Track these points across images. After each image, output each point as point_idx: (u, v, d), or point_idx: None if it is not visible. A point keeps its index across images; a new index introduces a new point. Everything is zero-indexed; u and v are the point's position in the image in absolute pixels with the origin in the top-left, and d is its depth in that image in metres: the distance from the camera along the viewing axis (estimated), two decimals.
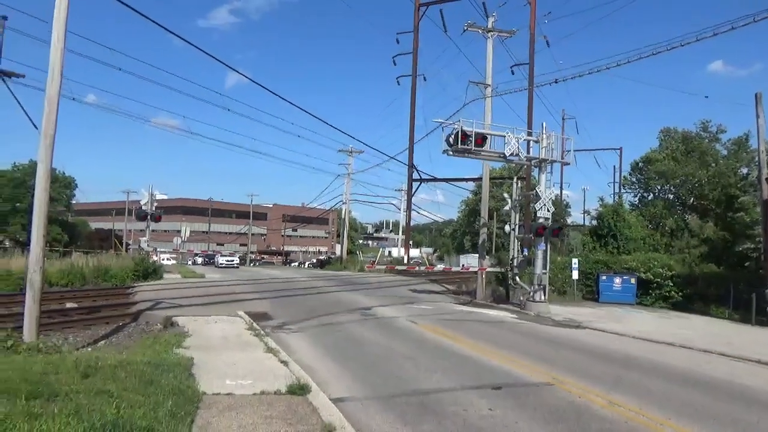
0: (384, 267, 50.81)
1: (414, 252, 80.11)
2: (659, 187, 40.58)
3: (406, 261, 47.37)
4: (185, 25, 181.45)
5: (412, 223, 50.60)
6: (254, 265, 71.89)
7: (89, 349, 11.07)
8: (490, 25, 25.59)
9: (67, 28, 11.20)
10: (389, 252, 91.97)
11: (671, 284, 24.56)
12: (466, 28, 25.59)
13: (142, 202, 32.23)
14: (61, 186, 59.63)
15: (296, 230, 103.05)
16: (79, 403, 5.60)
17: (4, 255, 25.08)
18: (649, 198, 41.24)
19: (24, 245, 37.41)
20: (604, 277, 25.58)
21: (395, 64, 46.46)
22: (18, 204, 52.98)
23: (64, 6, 11.09)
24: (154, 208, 31.29)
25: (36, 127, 10.83)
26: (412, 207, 47.26)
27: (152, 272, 27.84)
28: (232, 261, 55.91)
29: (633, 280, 25.07)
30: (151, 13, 15.04)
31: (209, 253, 72.55)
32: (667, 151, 39.52)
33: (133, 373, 7.37)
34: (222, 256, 58.20)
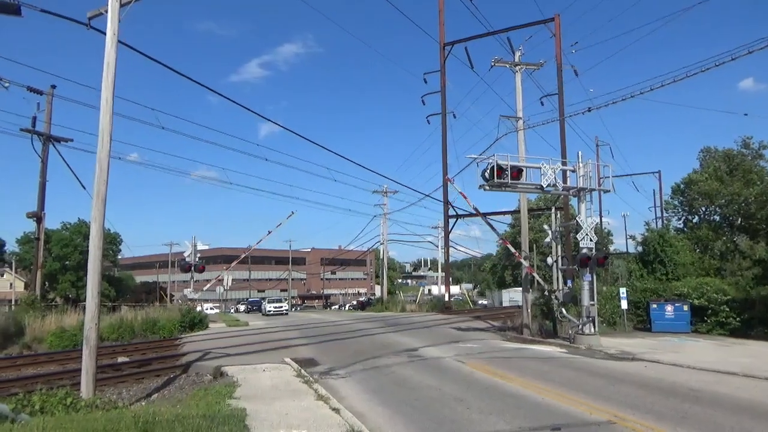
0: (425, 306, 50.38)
1: (454, 289, 79.33)
2: (704, 209, 39.47)
3: (447, 299, 46.85)
4: (219, 81, 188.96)
5: (450, 260, 50.17)
6: (295, 310, 72.09)
7: (143, 403, 11.21)
8: (517, 59, 25.77)
9: (114, 92, 11.76)
10: (429, 290, 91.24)
11: (727, 309, 23.51)
12: (493, 63, 25.84)
13: (185, 254, 33.01)
14: (108, 242, 61.57)
15: (335, 273, 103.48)
16: None
17: (57, 313, 25.78)
18: (695, 221, 40.11)
19: (74, 302, 38.57)
20: (655, 306, 24.72)
21: (424, 104, 47.08)
22: (67, 262, 54.78)
23: (112, 71, 11.68)
24: (197, 259, 32.00)
25: (84, 188, 11.49)
26: (450, 243, 46.98)
27: (198, 322, 28.22)
28: (281, 307, 50.01)
29: (686, 308, 24.13)
30: (184, 71, 15.78)
31: (253, 299, 72.11)
32: (709, 171, 38.57)
33: (189, 427, 7.43)
34: (269, 302, 52.15)
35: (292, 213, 39.09)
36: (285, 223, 41.23)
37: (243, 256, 41.19)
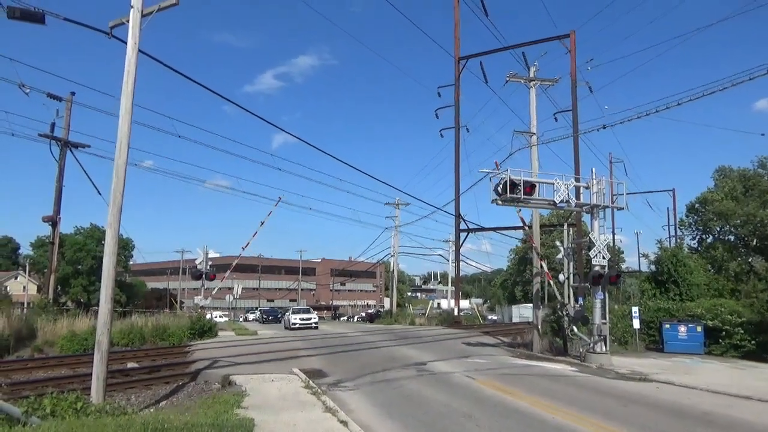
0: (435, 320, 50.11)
1: (464, 303, 78.96)
2: (719, 229, 39.06)
3: (456, 313, 46.61)
4: (234, 91, 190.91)
5: (460, 274, 49.97)
6: None
7: (152, 409, 11.24)
8: (532, 75, 25.82)
9: (133, 101, 11.89)
10: (438, 304, 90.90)
11: (742, 332, 23.15)
12: (508, 78, 25.91)
13: (197, 262, 33.20)
14: (120, 247, 61.77)
15: (344, 284, 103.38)
16: None
17: (68, 317, 25.99)
18: (709, 240, 39.68)
19: (85, 306, 38.85)
20: (667, 326, 24.39)
21: (438, 117, 47.20)
22: (79, 266, 55.15)
23: (132, 80, 11.83)
24: (208, 267, 32.17)
25: (99, 193, 11.68)
26: (460, 257, 46.83)
27: (208, 330, 28.30)
28: (309, 320, 40.11)
29: (699, 329, 23.78)
30: (200, 81, 15.86)
31: (265, 308, 69.30)
32: (724, 190, 38.22)
33: None
34: (294, 313, 42.30)
35: (280, 199, 38.45)
36: (274, 210, 40.84)
37: (240, 255, 40.72)
